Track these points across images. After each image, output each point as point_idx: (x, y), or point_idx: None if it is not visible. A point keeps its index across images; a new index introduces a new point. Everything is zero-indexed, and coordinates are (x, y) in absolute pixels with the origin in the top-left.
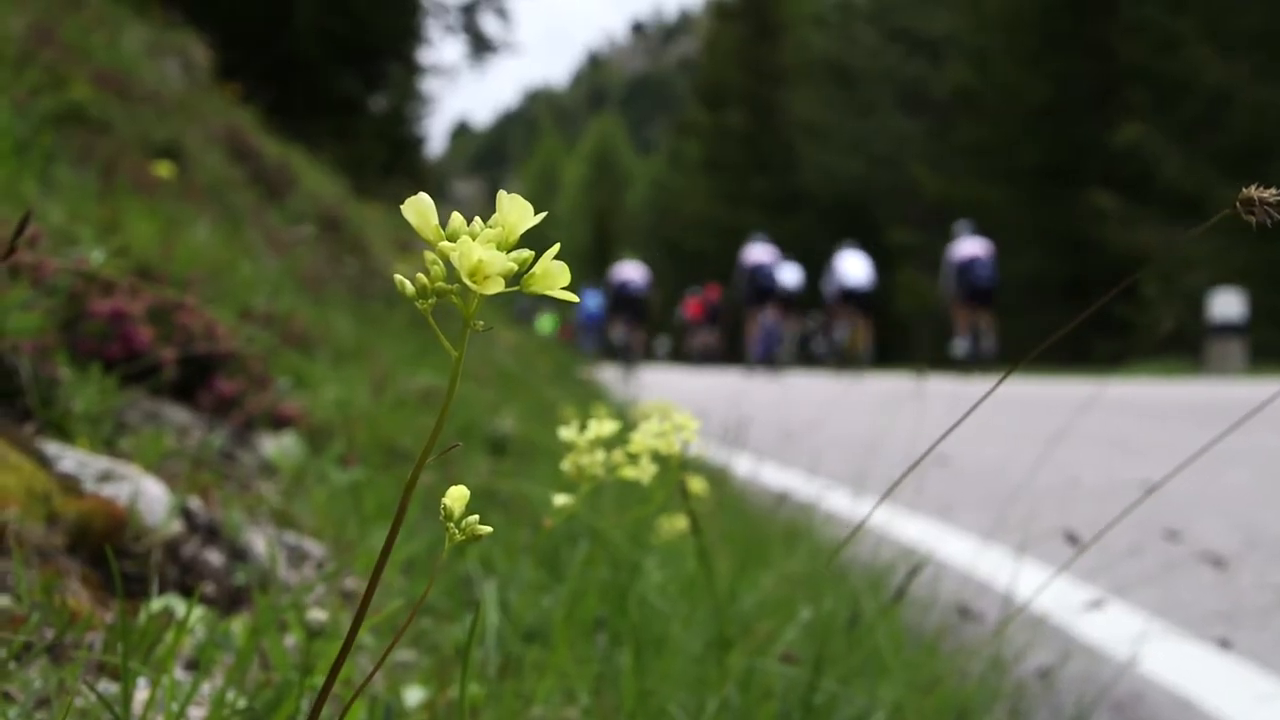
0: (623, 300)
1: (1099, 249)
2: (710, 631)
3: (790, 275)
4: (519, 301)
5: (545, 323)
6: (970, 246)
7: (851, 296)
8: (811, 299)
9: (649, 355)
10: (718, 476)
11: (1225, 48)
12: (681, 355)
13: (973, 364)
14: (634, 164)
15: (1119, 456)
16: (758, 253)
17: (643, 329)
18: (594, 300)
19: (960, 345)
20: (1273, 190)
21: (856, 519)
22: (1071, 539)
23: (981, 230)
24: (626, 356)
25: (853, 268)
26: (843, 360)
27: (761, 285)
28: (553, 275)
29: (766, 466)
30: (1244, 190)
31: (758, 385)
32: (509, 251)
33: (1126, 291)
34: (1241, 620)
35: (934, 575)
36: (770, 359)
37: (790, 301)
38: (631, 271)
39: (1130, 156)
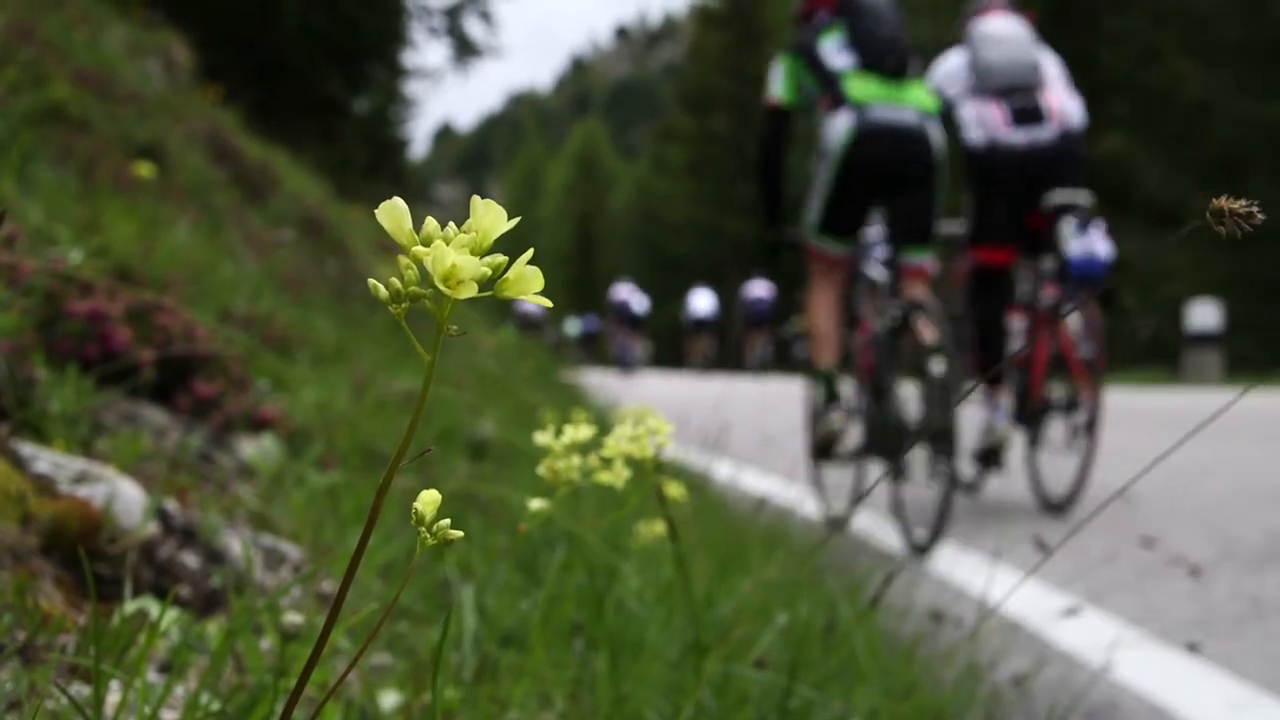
0: (624, 317)
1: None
2: (687, 637)
3: (705, 303)
4: (520, 308)
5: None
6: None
7: (702, 325)
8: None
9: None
10: (697, 481)
11: (1206, 60)
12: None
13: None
14: (618, 168)
15: (1097, 465)
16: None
17: (642, 338)
18: (575, 327)
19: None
20: (1242, 202)
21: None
22: (1040, 544)
23: None
24: (627, 363)
25: (700, 302)
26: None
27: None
28: (526, 280)
29: (746, 471)
30: (1214, 201)
31: (739, 390)
32: (483, 256)
33: (1105, 301)
34: (1217, 628)
35: (910, 581)
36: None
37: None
38: (626, 292)
39: (1111, 167)
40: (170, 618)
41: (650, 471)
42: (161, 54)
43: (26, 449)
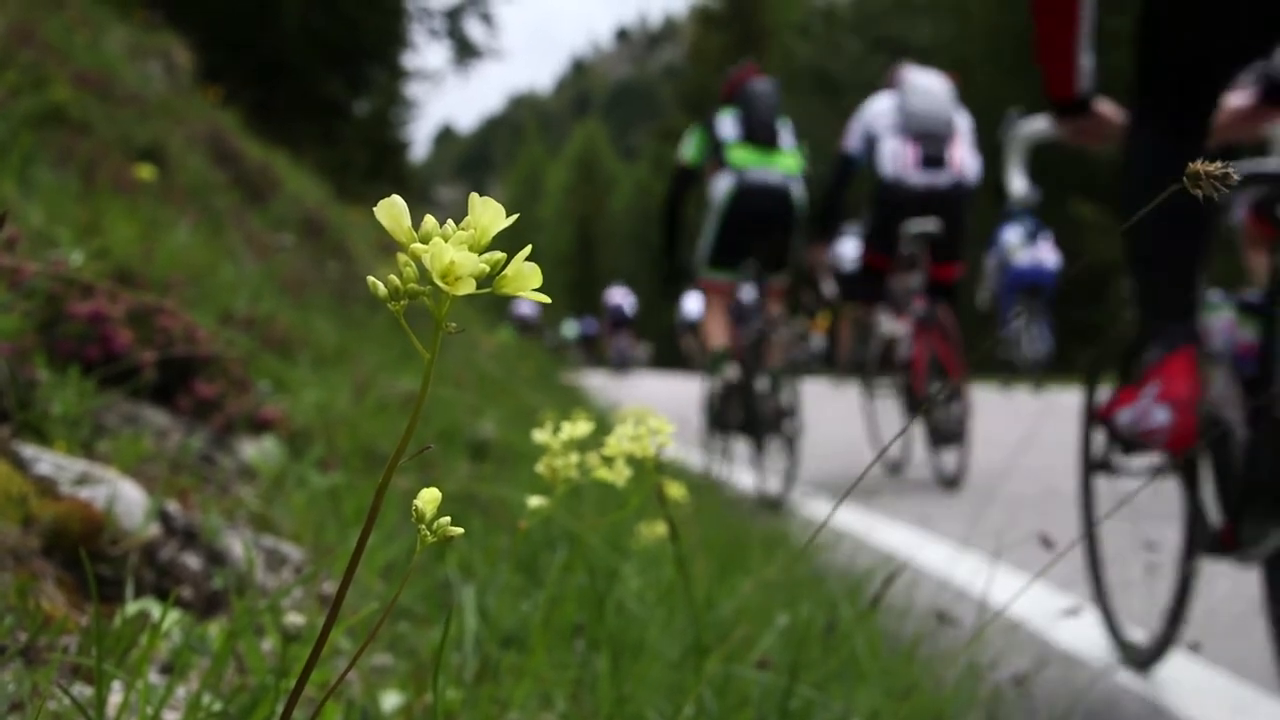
0: (618, 319)
1: (1077, 258)
2: (688, 637)
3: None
4: (519, 309)
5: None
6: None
7: (694, 327)
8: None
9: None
10: (699, 482)
11: None
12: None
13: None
14: (618, 170)
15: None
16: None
17: (638, 339)
18: (573, 329)
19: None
20: (1217, 164)
21: (836, 525)
22: (1045, 542)
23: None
24: (621, 364)
25: (693, 305)
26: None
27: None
28: (525, 277)
29: (748, 472)
30: (1190, 165)
31: None
32: (481, 253)
33: (1100, 299)
34: (1218, 628)
35: (911, 581)
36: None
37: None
38: (620, 295)
39: (1110, 166)
40: (172, 619)
41: (651, 471)
42: (162, 56)
43: (28, 451)
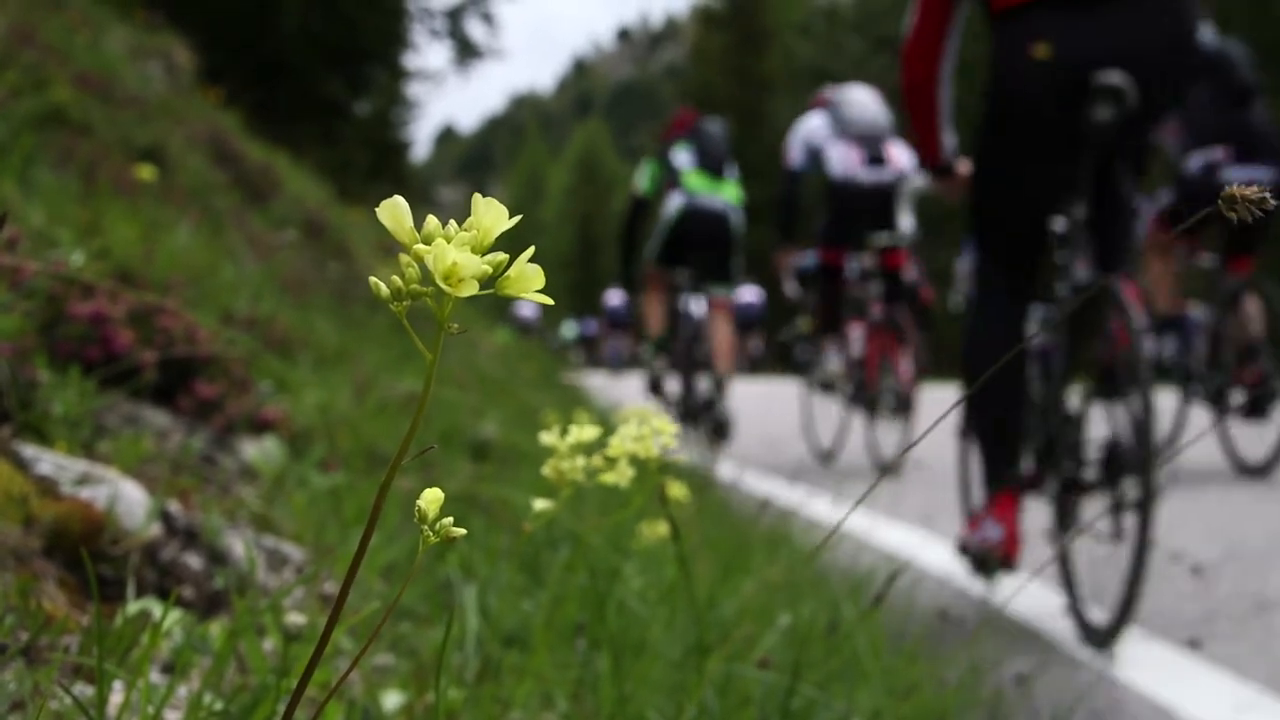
0: (615, 320)
1: None
2: (690, 637)
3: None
4: (520, 311)
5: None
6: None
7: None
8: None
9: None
10: (701, 483)
11: None
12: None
13: None
14: (619, 170)
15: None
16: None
17: (636, 341)
18: (572, 330)
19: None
20: (1254, 188)
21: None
22: (1049, 544)
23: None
24: (616, 365)
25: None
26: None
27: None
28: (527, 278)
29: (749, 473)
30: (1227, 189)
31: (741, 395)
32: (484, 254)
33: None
34: (1220, 628)
35: (914, 581)
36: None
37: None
38: (617, 298)
39: None
40: (173, 618)
41: (654, 472)
42: (162, 57)
43: (29, 451)
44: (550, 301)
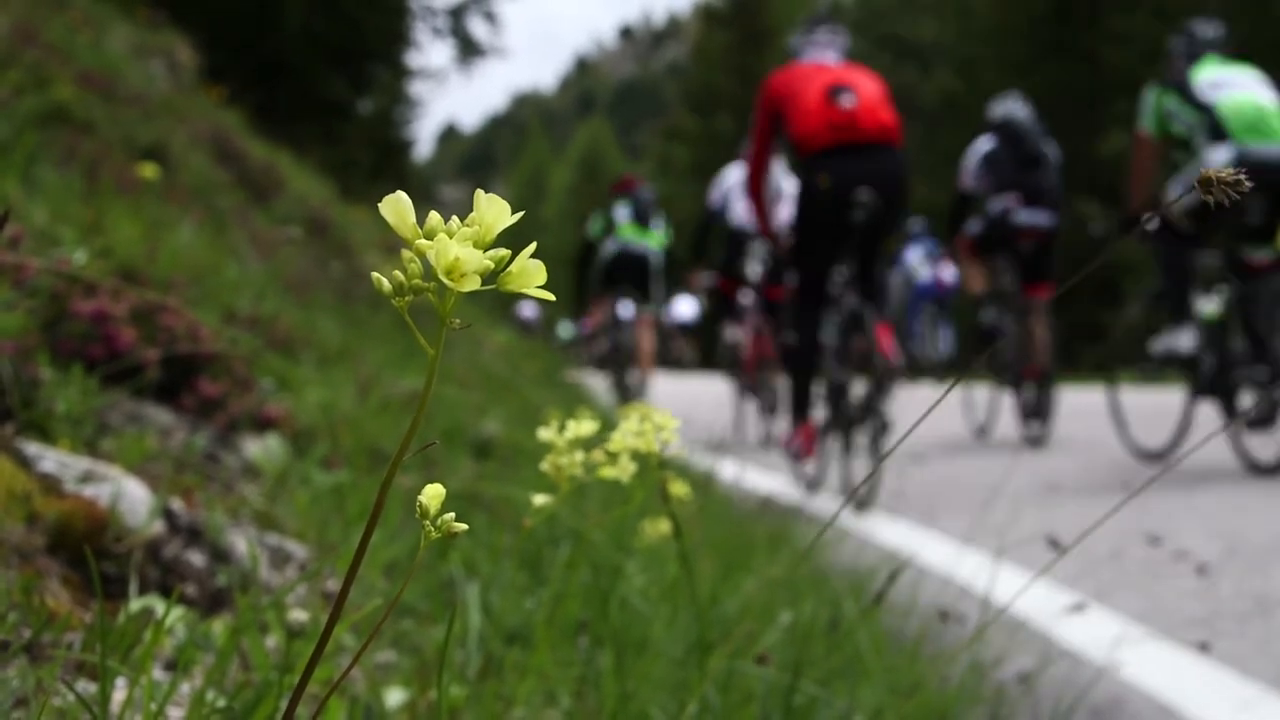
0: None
1: (1081, 258)
2: (691, 634)
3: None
4: (522, 312)
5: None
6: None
7: (684, 329)
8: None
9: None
10: (703, 481)
11: None
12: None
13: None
14: (622, 169)
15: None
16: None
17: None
18: (569, 330)
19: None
20: (1229, 170)
21: (839, 524)
22: (1052, 543)
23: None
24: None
25: (683, 308)
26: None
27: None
28: (529, 273)
29: (751, 470)
30: (1203, 171)
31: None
32: (486, 250)
33: (1109, 299)
34: (1222, 626)
35: (915, 579)
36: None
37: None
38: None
39: (1116, 165)
40: (176, 616)
41: (655, 468)
42: (165, 55)
43: (32, 449)
44: (551, 297)
